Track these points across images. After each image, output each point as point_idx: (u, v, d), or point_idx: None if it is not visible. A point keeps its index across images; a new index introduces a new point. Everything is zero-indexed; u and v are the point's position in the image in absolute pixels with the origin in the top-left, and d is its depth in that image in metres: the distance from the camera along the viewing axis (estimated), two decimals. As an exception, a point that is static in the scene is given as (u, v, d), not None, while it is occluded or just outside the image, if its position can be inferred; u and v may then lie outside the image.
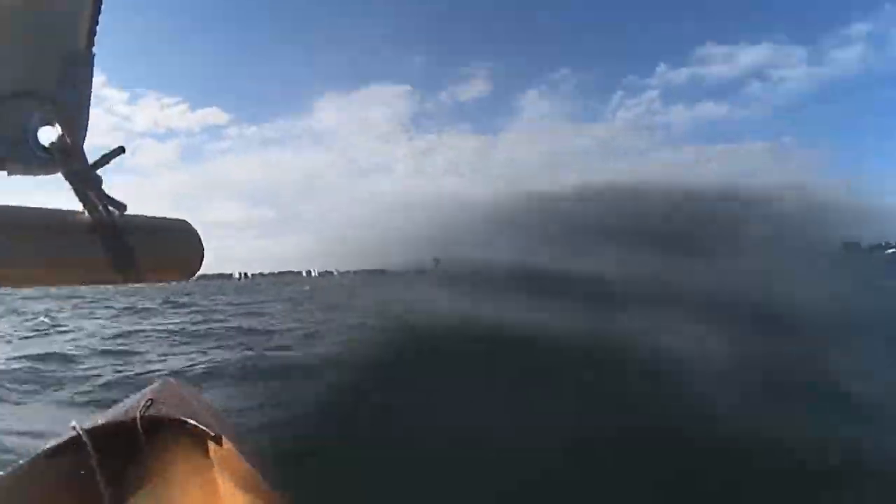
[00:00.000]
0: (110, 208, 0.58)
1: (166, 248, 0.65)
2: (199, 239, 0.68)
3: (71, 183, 0.57)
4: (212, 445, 1.53)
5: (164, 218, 0.66)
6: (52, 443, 1.45)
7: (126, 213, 0.59)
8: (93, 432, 1.45)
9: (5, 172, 0.57)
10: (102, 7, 0.60)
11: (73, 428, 1.46)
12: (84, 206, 0.57)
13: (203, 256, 0.69)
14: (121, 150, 0.60)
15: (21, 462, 1.41)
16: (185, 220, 0.68)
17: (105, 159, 0.59)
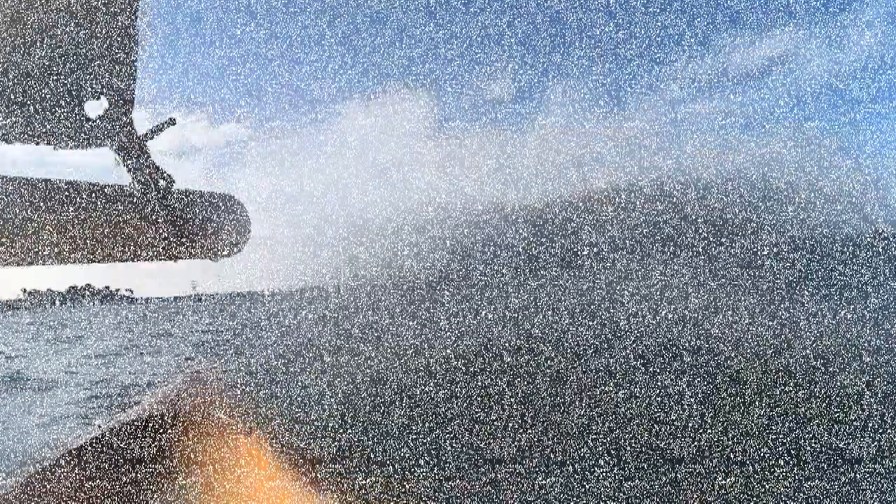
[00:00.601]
0: (160, 182, 0.56)
1: (215, 223, 0.63)
2: (247, 213, 0.66)
3: (120, 156, 0.55)
4: (241, 434, 1.54)
5: (213, 192, 0.64)
6: (82, 436, 1.46)
7: (175, 186, 0.57)
8: (122, 427, 1.47)
9: (51, 147, 0.56)
10: None
11: (101, 424, 1.47)
12: (133, 178, 0.55)
13: (249, 231, 0.67)
14: (171, 121, 0.58)
15: (51, 457, 1.41)
16: (232, 196, 0.66)
17: (155, 131, 0.57)
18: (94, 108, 0.57)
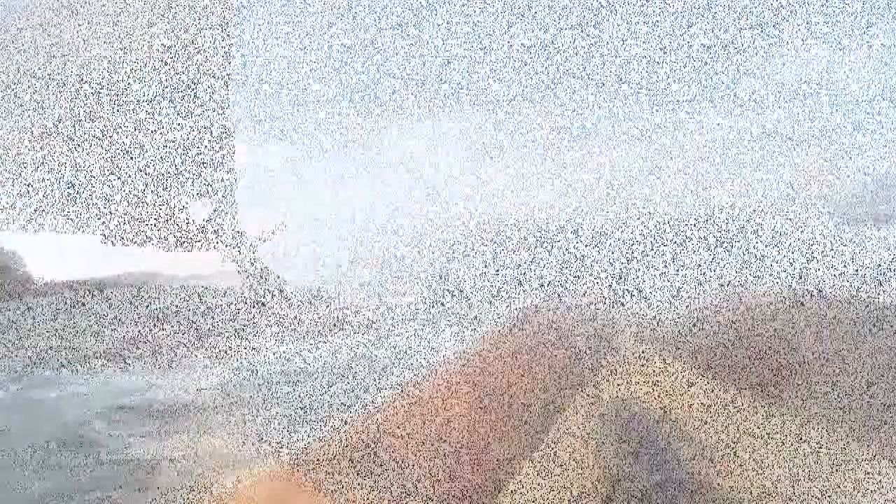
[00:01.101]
0: (269, 283, 0.55)
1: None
2: None
3: (229, 257, 0.54)
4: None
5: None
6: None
7: (285, 285, 0.56)
8: None
9: (162, 249, 0.54)
10: (232, 80, 0.57)
11: None
12: (244, 281, 0.54)
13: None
14: (283, 226, 0.57)
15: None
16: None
17: (266, 235, 0.55)
18: (201, 210, 0.55)
